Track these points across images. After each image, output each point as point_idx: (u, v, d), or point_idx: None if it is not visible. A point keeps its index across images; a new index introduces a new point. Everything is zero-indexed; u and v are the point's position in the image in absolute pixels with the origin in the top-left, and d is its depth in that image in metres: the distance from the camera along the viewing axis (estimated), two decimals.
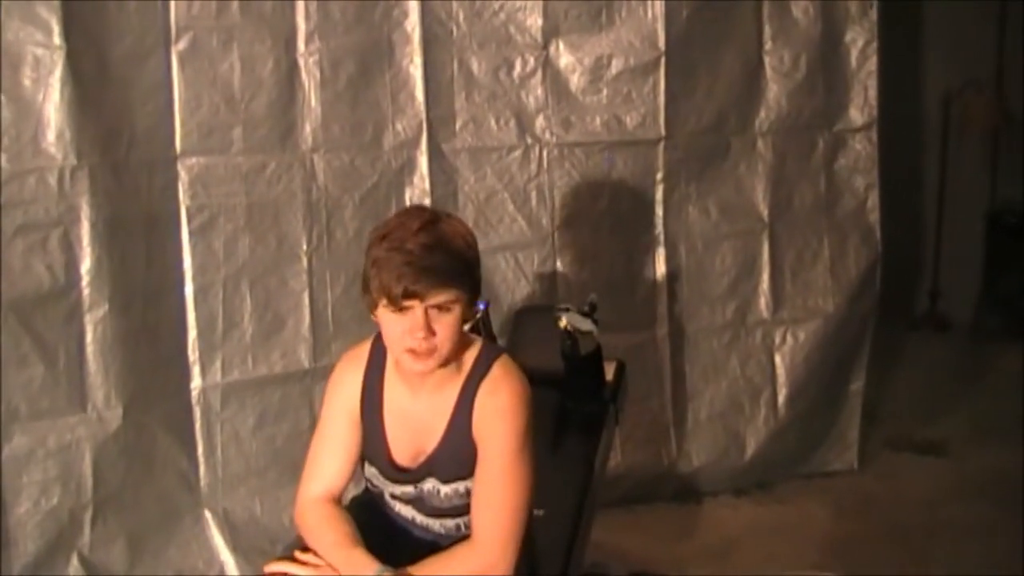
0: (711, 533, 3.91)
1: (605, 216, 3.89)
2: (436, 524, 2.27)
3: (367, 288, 2.08)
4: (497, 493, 2.12)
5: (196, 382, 3.35)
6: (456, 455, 2.16)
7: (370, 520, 2.27)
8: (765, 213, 4.10)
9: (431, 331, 2.03)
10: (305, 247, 3.47)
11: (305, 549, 2.17)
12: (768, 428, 4.19)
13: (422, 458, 2.20)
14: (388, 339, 2.10)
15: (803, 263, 4.18)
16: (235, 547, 3.39)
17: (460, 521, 2.23)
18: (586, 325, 2.84)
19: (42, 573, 3.08)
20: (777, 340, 4.17)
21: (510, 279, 3.75)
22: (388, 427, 2.22)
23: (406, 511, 2.30)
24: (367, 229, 3.48)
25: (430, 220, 2.10)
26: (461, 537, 2.21)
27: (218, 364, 3.37)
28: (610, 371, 3.03)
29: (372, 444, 2.24)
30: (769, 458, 4.21)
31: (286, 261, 3.45)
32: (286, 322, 3.46)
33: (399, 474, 2.23)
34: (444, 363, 2.12)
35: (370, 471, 2.29)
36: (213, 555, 3.39)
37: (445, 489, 2.20)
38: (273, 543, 3.32)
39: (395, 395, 2.22)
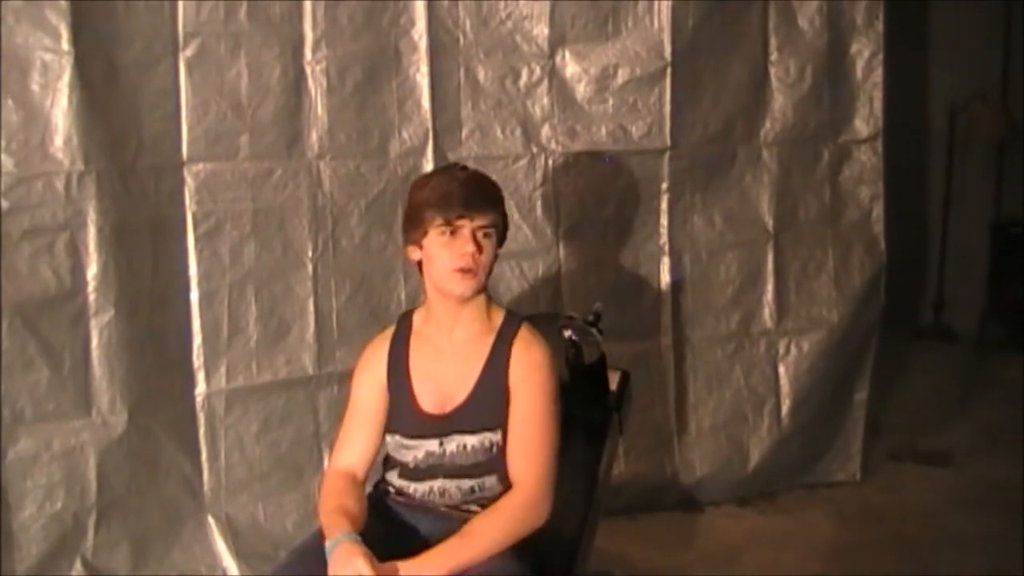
0: (714, 542, 3.90)
1: (610, 225, 3.89)
2: (452, 487, 2.35)
3: (415, 224, 2.32)
4: (535, 438, 2.30)
5: (201, 387, 3.35)
6: (487, 402, 2.32)
7: (377, 517, 2.35)
8: (770, 223, 4.10)
9: (480, 250, 2.28)
10: (310, 254, 3.47)
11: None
12: (771, 438, 4.18)
13: (449, 407, 2.35)
14: (437, 266, 2.31)
15: (807, 273, 4.18)
16: (238, 552, 3.39)
17: (476, 483, 2.34)
18: (591, 334, 2.84)
19: None
20: (781, 350, 4.17)
21: (515, 287, 3.75)
22: (415, 382, 2.38)
23: (421, 488, 2.37)
24: (372, 236, 3.54)
25: (465, 167, 2.46)
26: (475, 504, 2.32)
27: (223, 370, 3.37)
28: (614, 380, 3.03)
29: (398, 403, 2.39)
30: (772, 468, 4.21)
31: (291, 267, 3.45)
32: (291, 328, 3.46)
33: (425, 425, 2.35)
34: (478, 290, 2.34)
35: (393, 440, 2.39)
36: (216, 560, 3.38)
37: (471, 441, 2.32)
38: (276, 548, 3.32)
39: (421, 355, 2.40)
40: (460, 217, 2.27)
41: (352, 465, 2.40)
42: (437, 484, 2.35)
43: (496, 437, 2.32)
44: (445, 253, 2.29)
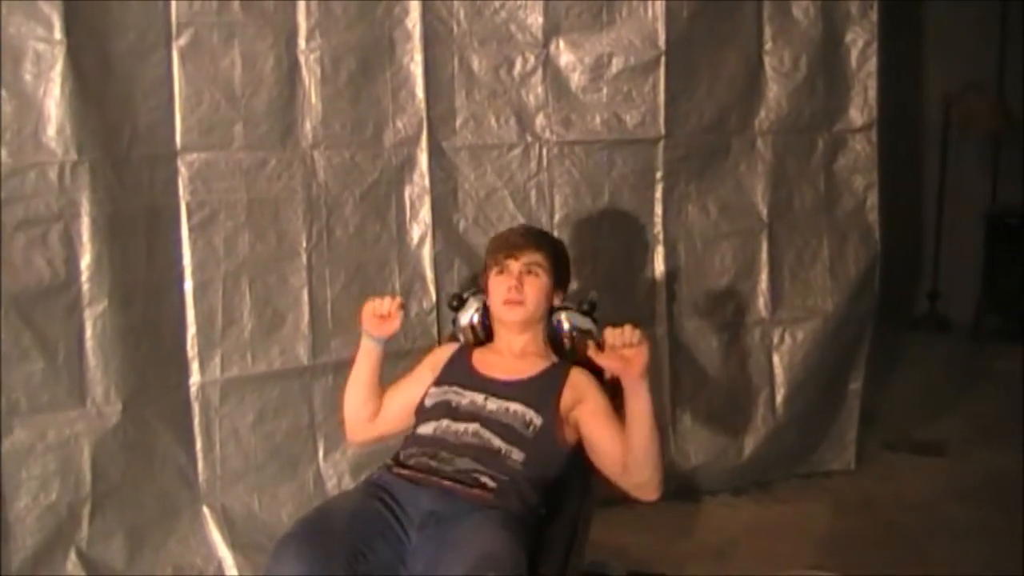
0: (709, 532, 3.91)
1: (605, 215, 3.89)
2: (487, 435, 2.54)
3: (483, 269, 2.83)
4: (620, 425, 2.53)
5: (195, 378, 3.35)
6: (539, 390, 2.62)
7: (379, 494, 2.46)
8: (764, 213, 4.10)
9: (522, 283, 2.69)
10: (305, 244, 3.47)
11: None
12: (766, 428, 4.19)
13: (502, 377, 2.65)
14: (493, 298, 2.75)
15: (802, 263, 4.18)
16: (233, 543, 3.39)
17: (505, 447, 2.51)
18: (586, 324, 2.84)
19: (40, 568, 3.08)
20: (775, 340, 4.17)
21: None
22: (475, 359, 2.75)
23: (457, 427, 2.54)
24: (367, 226, 3.54)
25: (529, 226, 3.05)
26: (494, 470, 2.47)
27: (217, 360, 3.37)
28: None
29: (454, 367, 2.75)
30: (767, 458, 4.21)
31: (286, 258, 3.45)
32: (285, 319, 3.46)
33: (475, 380, 2.67)
34: (530, 324, 2.74)
35: (439, 390, 2.69)
36: (211, 551, 3.38)
37: (515, 407, 2.57)
38: (271, 539, 3.28)
39: (483, 354, 2.78)
40: (507, 256, 2.72)
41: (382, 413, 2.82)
42: (474, 427, 2.55)
43: (538, 420, 2.54)
44: (499, 288, 2.72)
